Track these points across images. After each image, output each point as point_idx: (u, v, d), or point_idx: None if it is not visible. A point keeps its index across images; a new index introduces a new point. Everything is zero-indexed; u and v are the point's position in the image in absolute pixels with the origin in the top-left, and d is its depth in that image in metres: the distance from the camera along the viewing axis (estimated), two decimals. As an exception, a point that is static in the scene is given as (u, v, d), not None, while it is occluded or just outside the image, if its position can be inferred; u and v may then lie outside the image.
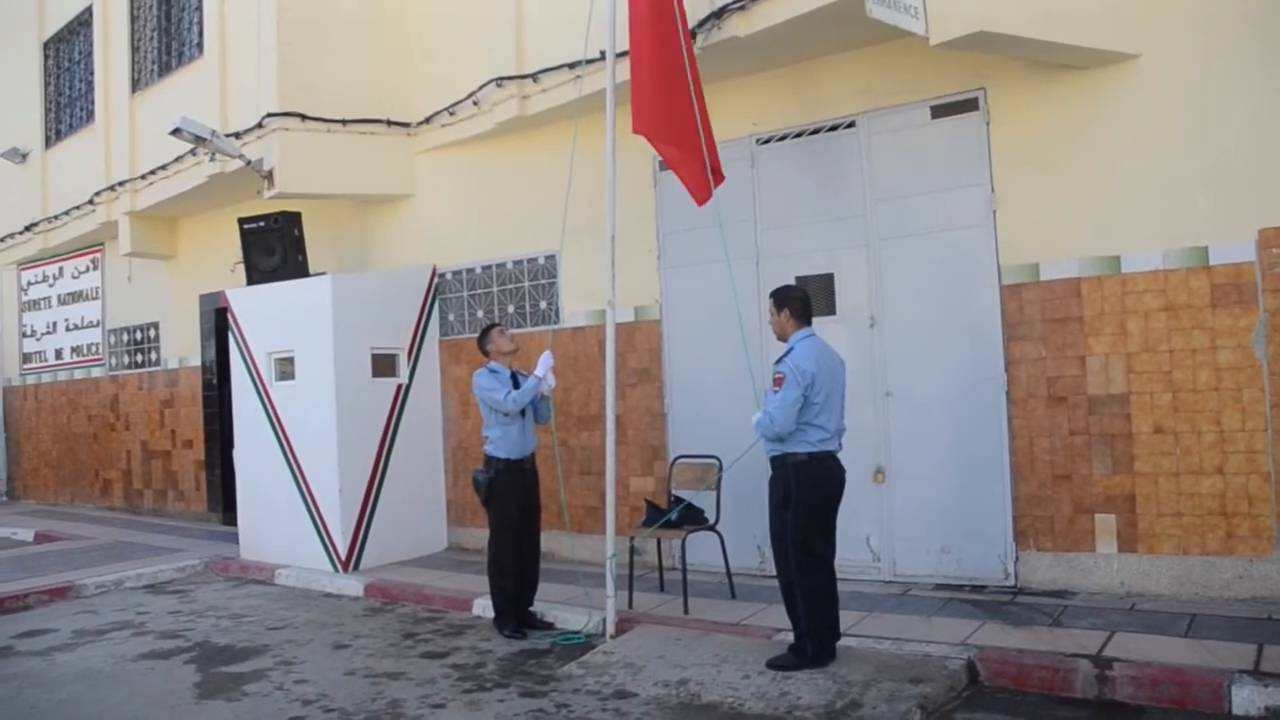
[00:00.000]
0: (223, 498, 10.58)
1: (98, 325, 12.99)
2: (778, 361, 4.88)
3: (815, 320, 5.08)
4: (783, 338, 5.02)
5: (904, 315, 6.30)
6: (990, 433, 6.00)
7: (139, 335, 12.26)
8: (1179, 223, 5.45)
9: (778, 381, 4.79)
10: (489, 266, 8.46)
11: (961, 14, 5.18)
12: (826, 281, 6.53)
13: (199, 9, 9.84)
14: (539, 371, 5.96)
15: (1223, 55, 5.32)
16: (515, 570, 6.01)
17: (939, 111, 6.17)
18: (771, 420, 4.77)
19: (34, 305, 14.30)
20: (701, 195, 5.81)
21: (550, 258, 7.98)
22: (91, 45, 11.82)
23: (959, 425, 6.11)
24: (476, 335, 6.43)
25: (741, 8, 6.04)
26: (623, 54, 5.96)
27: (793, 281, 6.11)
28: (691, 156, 5.72)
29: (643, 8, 5.69)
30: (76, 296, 13.43)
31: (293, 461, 8.18)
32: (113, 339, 12.71)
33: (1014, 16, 5.23)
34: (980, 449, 6.03)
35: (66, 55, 12.94)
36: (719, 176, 5.88)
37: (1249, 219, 5.26)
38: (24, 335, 14.49)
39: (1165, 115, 5.48)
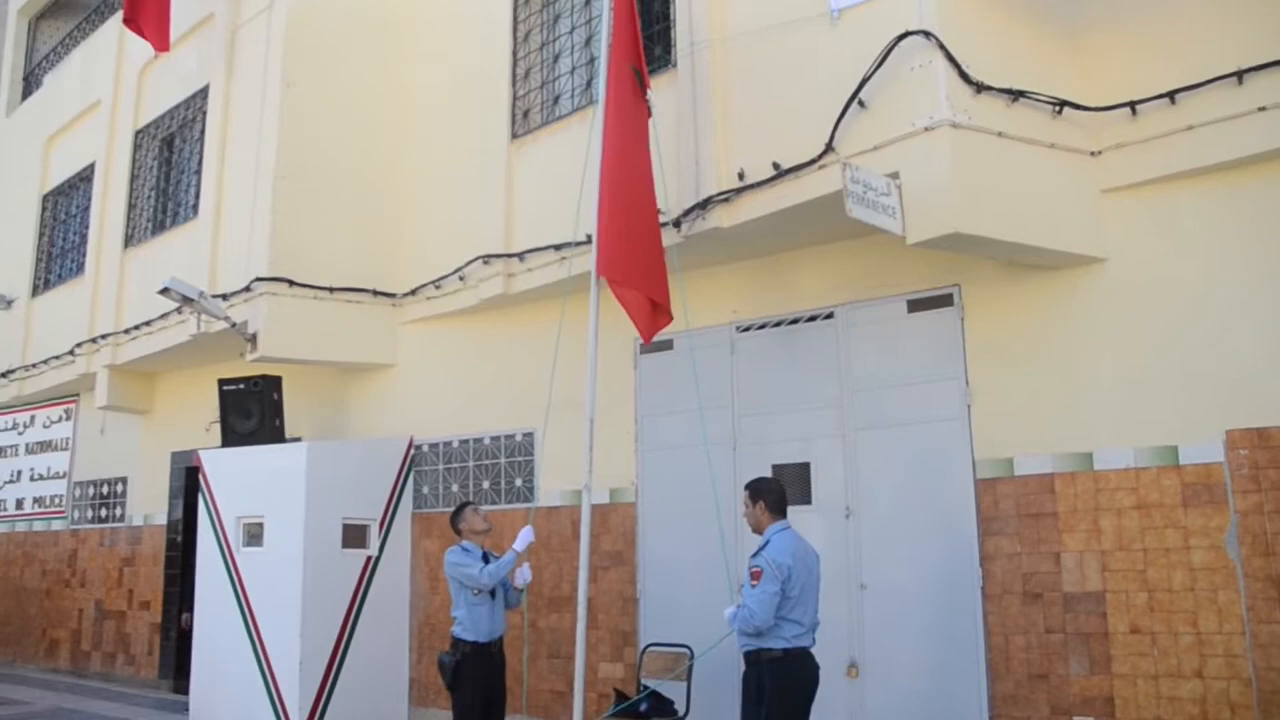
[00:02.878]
0: (175, 664, 10.20)
1: (64, 477, 12.78)
2: (754, 555, 4.86)
3: (791, 509, 5.08)
4: (758, 530, 5.01)
5: (879, 507, 6.29)
6: (965, 628, 5.90)
7: (105, 489, 12.06)
8: (1149, 421, 5.52)
9: (755, 575, 4.76)
10: (466, 441, 8.45)
11: (937, 215, 5.37)
12: (803, 470, 6.55)
13: (198, 172, 10.11)
14: (518, 545, 5.90)
15: (1187, 260, 5.51)
16: (477, 758, 5.78)
17: (915, 306, 6.33)
18: (751, 614, 4.71)
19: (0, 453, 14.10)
20: (648, 332, 5.89)
21: (528, 435, 7.99)
22: (89, 200, 12.06)
23: (934, 620, 6.02)
24: (450, 510, 6.38)
25: (726, 200, 6.26)
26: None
27: (769, 470, 6.14)
28: (644, 295, 5.83)
29: (617, 143, 5.88)
30: (45, 446, 13.26)
31: (253, 631, 7.95)
32: (78, 491, 12.49)
33: (987, 219, 5.43)
34: (955, 645, 5.92)
35: (64, 208, 13.20)
36: (667, 316, 5.95)
37: (1217, 420, 5.33)
38: (-14, 483, 14.23)
39: (1133, 316, 5.63)
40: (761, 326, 6.96)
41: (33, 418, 13.53)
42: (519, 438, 8.08)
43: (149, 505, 11.29)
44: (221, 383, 8.86)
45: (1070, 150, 5.70)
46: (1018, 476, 5.85)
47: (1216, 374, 5.35)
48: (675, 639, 6.43)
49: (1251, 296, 5.30)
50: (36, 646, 12.60)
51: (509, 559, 5.86)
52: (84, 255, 11.98)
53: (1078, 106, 5.62)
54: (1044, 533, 5.75)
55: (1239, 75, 5.18)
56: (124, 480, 11.79)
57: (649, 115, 6.21)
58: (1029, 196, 5.57)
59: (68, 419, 12.94)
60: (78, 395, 12.62)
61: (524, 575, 6.00)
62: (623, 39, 6.15)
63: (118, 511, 11.80)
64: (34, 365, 12.49)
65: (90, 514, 12.23)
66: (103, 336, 10.95)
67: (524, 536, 5.94)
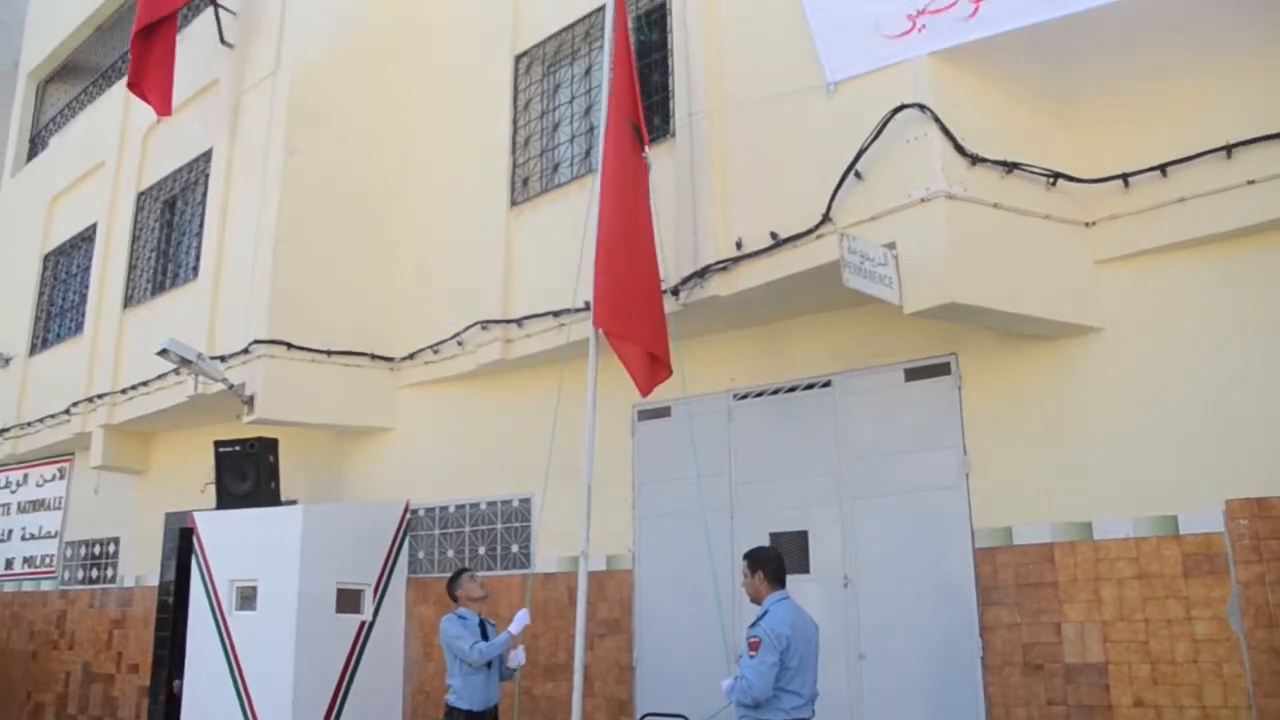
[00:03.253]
0: (164, 730, 10.06)
1: (55, 536, 12.68)
2: (753, 625, 4.83)
3: (789, 578, 5.06)
4: (756, 600, 4.99)
5: (878, 575, 6.25)
6: (966, 700, 5.82)
7: (97, 550, 11.96)
8: (1148, 491, 5.50)
9: (753, 645, 4.73)
10: (462, 506, 8.41)
11: (934, 285, 5.41)
12: (800, 539, 6.51)
13: (199, 234, 10.17)
14: (513, 628, 5.87)
15: (1182, 330, 5.53)
16: (470, 833, 5.69)
17: (912, 374, 6.35)
18: (750, 685, 4.68)
19: (-8, 512, 14.00)
20: (646, 386, 5.90)
21: (525, 500, 7.96)
22: (90, 260, 12.11)
23: (934, 690, 5.95)
24: (446, 575, 6.37)
25: (723, 269, 6.32)
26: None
27: (766, 538, 6.11)
28: (642, 348, 5.86)
29: (615, 197, 5.94)
30: (38, 505, 13.17)
31: (244, 696, 7.84)
32: (69, 551, 12.38)
33: (983, 289, 5.46)
34: (955, 716, 5.82)
35: (65, 268, 13.26)
36: (666, 370, 5.96)
37: (1216, 489, 5.30)
38: (-24, 543, 14.10)
39: (1129, 386, 5.64)
40: (759, 394, 6.96)
41: (26, 476, 13.45)
42: (516, 503, 8.04)
43: (141, 566, 11.19)
44: (218, 444, 8.84)
45: (1065, 221, 5.75)
46: (1017, 546, 5.82)
47: (1215, 443, 5.35)
48: (672, 709, 6.34)
49: (1247, 366, 5.32)
50: (20, 711, 12.39)
51: (503, 640, 5.85)
52: (83, 315, 12.00)
53: (1071, 178, 5.69)
54: (1044, 603, 5.70)
55: (1228, 149, 5.26)
56: (116, 541, 11.69)
57: (648, 171, 6.28)
58: (1024, 267, 5.61)
59: (61, 478, 12.87)
60: (72, 454, 12.56)
61: (518, 658, 5.98)
62: (621, 95, 6.24)
63: (109, 572, 11.69)
64: (29, 424, 12.45)
65: (81, 574, 12.11)
66: (99, 396, 10.93)
67: (520, 619, 5.92)
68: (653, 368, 5.94)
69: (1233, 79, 5.39)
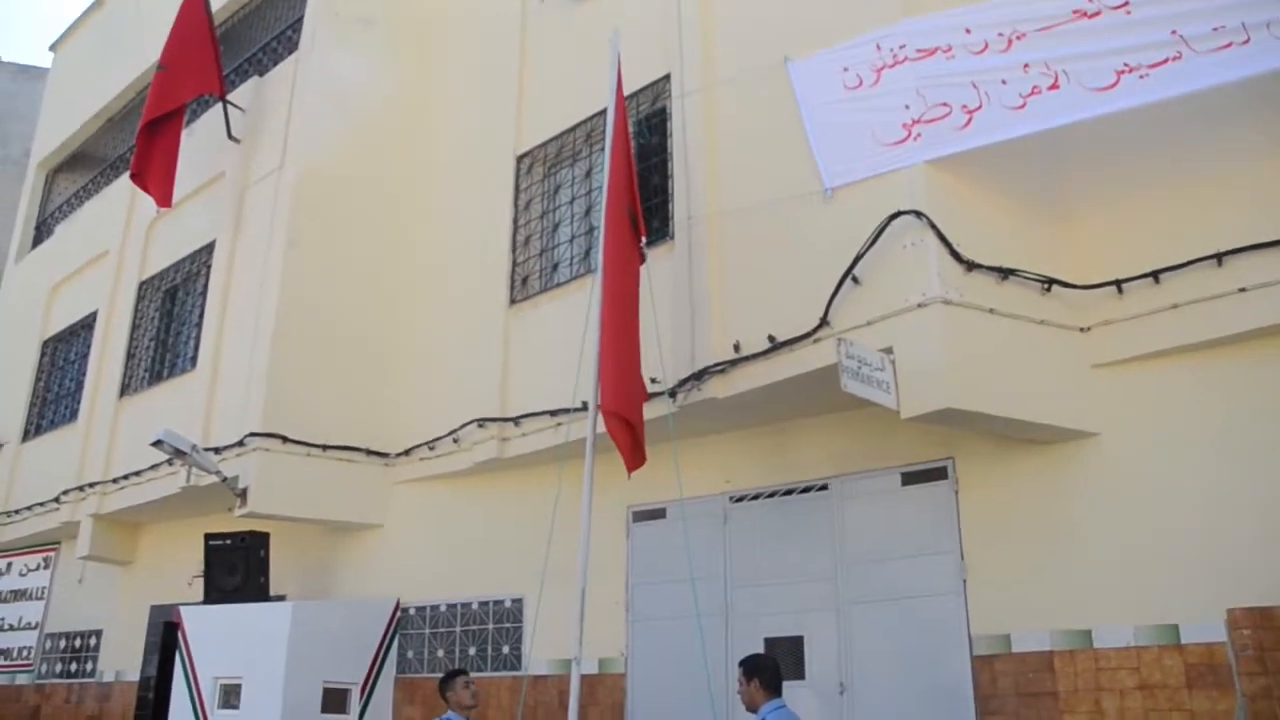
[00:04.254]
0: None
1: (35, 628, 12.41)
2: (749, 735, 4.73)
3: (784, 684, 4.97)
4: (752, 708, 4.92)
5: (875, 682, 6.12)
6: (967, 814, 5.68)
7: (78, 642, 11.70)
8: (1148, 599, 5.42)
9: (750, 757, 4.63)
10: (454, 605, 8.28)
11: (931, 390, 5.43)
12: (796, 644, 6.40)
13: (198, 325, 10.21)
14: None
15: (1179, 436, 5.52)
16: None
17: (909, 479, 6.32)
18: (746, 797, 4.56)
19: (-29, 602, 13.74)
20: (632, 464, 5.87)
21: (517, 601, 7.84)
22: (89, 347, 12.12)
23: (934, 804, 5.79)
24: (436, 676, 6.25)
25: (721, 371, 6.34)
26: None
27: (761, 643, 6.01)
28: (632, 427, 5.83)
29: (613, 281, 5.96)
30: (19, 595, 12.93)
31: (221, 802, 7.61)
32: (48, 644, 12.11)
33: (979, 394, 5.48)
34: (957, 832, 5.68)
35: (63, 355, 13.27)
36: (641, 455, 5.91)
37: (1217, 598, 5.23)
38: (-47, 634, 13.81)
39: (1127, 492, 5.60)
40: (755, 497, 6.91)
41: (9, 565, 13.24)
42: (508, 604, 7.92)
43: (122, 661, 10.93)
44: (208, 537, 8.74)
45: (1060, 326, 5.80)
46: (1015, 653, 5.72)
47: (1215, 551, 5.28)
48: (664, 822, 6.17)
49: (1245, 471, 5.29)
50: (-14, 812, 12.02)
51: None
52: (78, 402, 11.95)
53: (1066, 284, 5.76)
54: (1044, 713, 5.57)
55: (1219, 257, 5.33)
56: (98, 633, 11.45)
57: (642, 260, 6.33)
58: (1021, 372, 5.63)
59: (45, 568, 12.67)
60: (59, 543, 12.39)
61: None
62: (619, 184, 6.30)
63: (88, 666, 11.42)
64: (16, 511, 12.31)
65: (59, 668, 11.83)
66: (90, 485, 10.82)
67: None
68: (635, 449, 5.92)
69: (1222, 188, 5.51)
